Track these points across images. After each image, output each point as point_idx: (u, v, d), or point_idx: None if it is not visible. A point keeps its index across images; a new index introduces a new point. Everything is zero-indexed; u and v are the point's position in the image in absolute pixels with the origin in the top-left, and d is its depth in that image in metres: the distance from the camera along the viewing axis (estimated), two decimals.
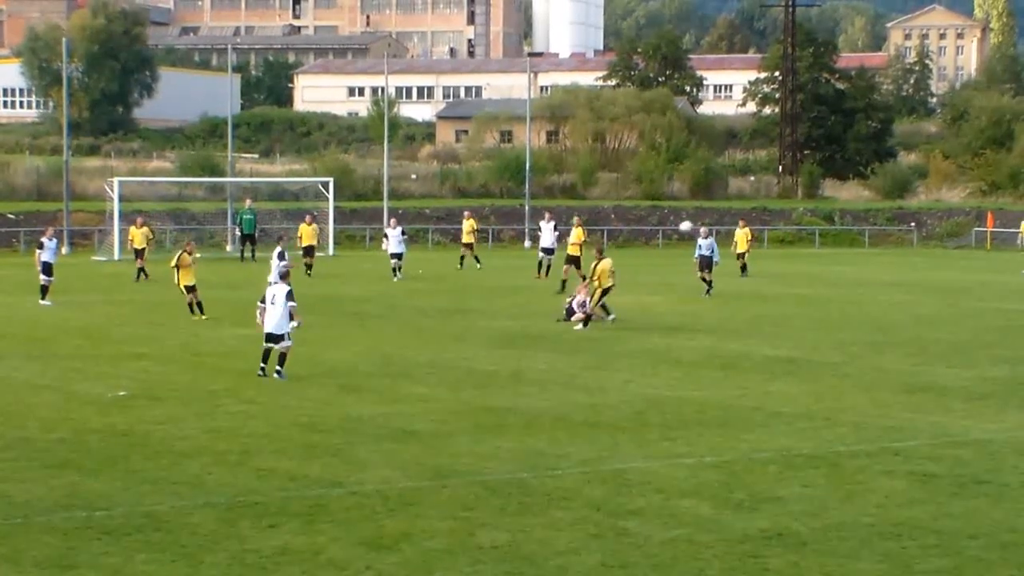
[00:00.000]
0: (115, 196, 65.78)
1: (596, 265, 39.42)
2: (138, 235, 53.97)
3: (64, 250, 61.65)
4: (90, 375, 29.21)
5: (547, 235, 55.65)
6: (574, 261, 49.88)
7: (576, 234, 51.66)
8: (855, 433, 23.20)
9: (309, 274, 53.19)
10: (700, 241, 49.27)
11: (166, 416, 24.26)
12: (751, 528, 17.13)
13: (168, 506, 18.00)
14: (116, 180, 68.60)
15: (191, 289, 39.60)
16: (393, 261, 54.01)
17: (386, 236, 56.57)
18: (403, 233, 56.30)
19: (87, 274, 54.24)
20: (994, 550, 16.13)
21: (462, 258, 59.78)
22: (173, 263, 40.00)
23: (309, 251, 55.86)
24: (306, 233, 56.62)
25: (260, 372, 28.63)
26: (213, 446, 21.75)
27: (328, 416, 24.37)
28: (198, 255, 41.05)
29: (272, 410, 24.95)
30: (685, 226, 57.50)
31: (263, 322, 28.89)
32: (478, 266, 58.51)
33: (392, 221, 59.98)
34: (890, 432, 23.27)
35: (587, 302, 38.65)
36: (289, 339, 28.62)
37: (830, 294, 50.14)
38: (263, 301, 29.16)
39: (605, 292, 39.15)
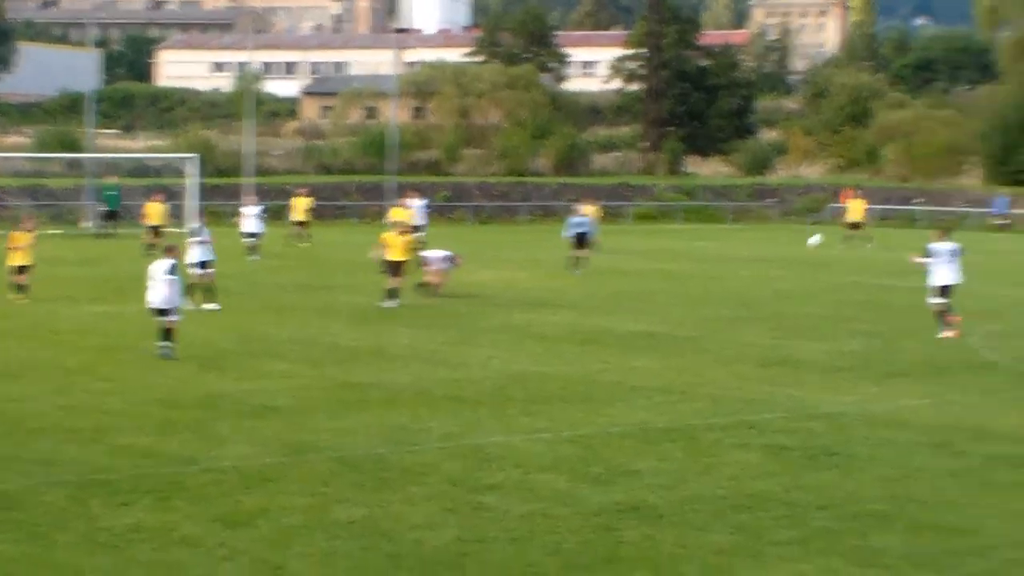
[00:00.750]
0: None
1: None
2: None
3: None
4: None
5: (420, 213, 56.01)
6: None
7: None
8: (712, 407, 23.48)
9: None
10: (575, 219, 49.48)
11: (21, 393, 23.94)
12: (607, 501, 17.28)
13: (18, 485, 17.77)
14: None
15: (22, 270, 38.24)
16: (249, 240, 52.66)
17: (241, 214, 55.56)
18: (264, 211, 55.28)
19: None
20: (842, 520, 16.42)
21: (307, 237, 59.04)
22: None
23: (155, 230, 54.13)
24: (154, 212, 55.29)
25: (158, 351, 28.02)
26: (67, 423, 21.50)
27: (187, 393, 24.21)
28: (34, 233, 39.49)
29: (130, 387, 24.71)
30: (814, 240, 57.31)
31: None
32: (307, 244, 58.02)
33: (250, 199, 58.76)
34: (746, 405, 23.58)
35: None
36: (177, 314, 28.45)
37: (692, 269, 50.61)
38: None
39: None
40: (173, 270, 28.54)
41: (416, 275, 39.80)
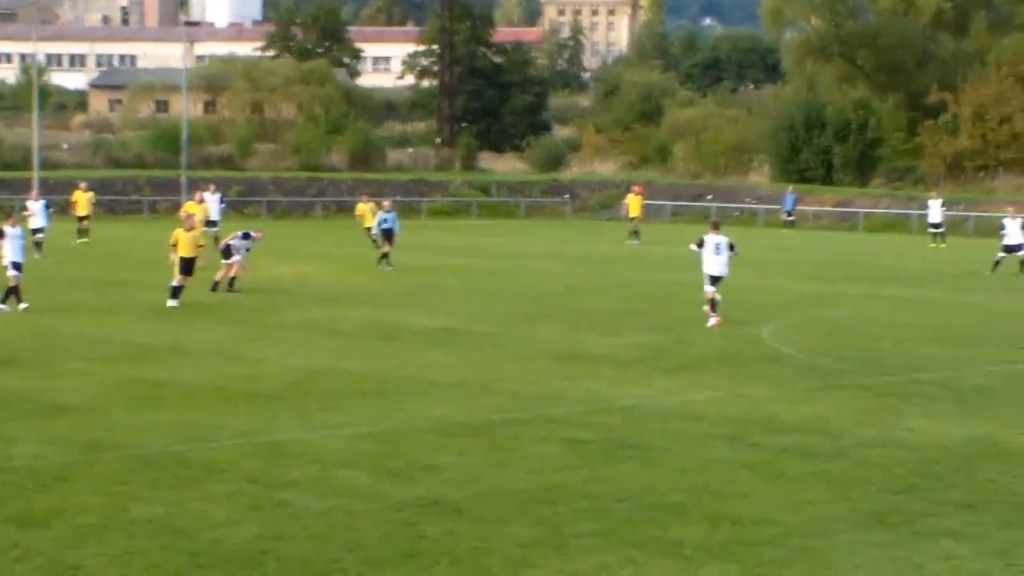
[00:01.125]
0: None
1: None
2: None
3: None
4: None
5: (214, 208, 55.43)
6: None
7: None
8: (510, 401, 23.65)
9: None
10: (384, 215, 49.23)
11: None
12: (408, 496, 17.31)
13: None
14: None
15: None
16: (36, 236, 50.63)
17: (26, 208, 53.86)
18: (47, 207, 53.73)
19: None
20: (640, 512, 16.67)
21: (86, 231, 57.89)
22: None
23: None
24: None
25: None
26: None
27: None
28: None
29: None
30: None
31: None
32: (85, 240, 56.99)
33: (33, 194, 56.67)
34: (543, 400, 23.79)
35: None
36: None
37: (487, 265, 50.90)
38: None
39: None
40: None
41: (212, 271, 39.45)
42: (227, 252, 39.79)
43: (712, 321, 34.43)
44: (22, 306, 34.72)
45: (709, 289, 34.92)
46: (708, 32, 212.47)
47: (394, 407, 23.03)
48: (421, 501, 17.10)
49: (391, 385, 25.19)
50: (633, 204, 66.72)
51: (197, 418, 21.80)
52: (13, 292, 34.97)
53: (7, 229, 36.08)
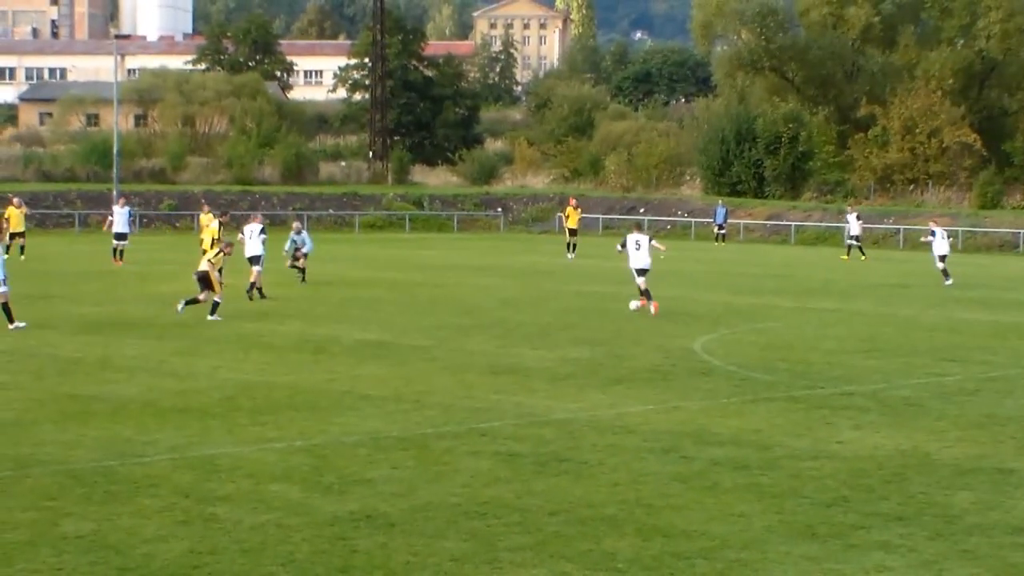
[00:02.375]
0: None
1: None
2: None
3: None
4: None
5: (122, 220, 55.32)
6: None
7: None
8: (443, 415, 23.61)
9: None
10: (293, 236, 49.04)
11: None
12: (341, 511, 17.26)
13: None
14: None
15: None
16: None
17: None
18: None
19: None
20: (573, 525, 16.67)
21: (21, 248, 57.03)
22: None
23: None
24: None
25: None
26: None
27: None
28: None
29: None
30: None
31: None
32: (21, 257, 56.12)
33: None
34: (477, 413, 23.77)
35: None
36: None
37: (419, 278, 50.86)
38: None
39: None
40: None
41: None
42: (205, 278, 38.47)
43: (652, 309, 39.05)
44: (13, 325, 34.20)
45: (640, 280, 39.89)
46: (639, 46, 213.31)
47: (327, 421, 22.95)
48: (354, 515, 17.04)
49: (323, 399, 25.10)
50: (572, 217, 66.89)
51: (128, 433, 21.64)
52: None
53: None
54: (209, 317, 36.82)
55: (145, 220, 61.55)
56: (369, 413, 23.72)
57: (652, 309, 39.07)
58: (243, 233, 43.54)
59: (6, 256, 35.26)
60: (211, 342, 32.48)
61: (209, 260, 37.79)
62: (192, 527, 16.45)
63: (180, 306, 37.31)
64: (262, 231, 43.62)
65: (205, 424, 22.52)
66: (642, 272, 40.01)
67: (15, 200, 59.92)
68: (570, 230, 66.12)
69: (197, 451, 20.46)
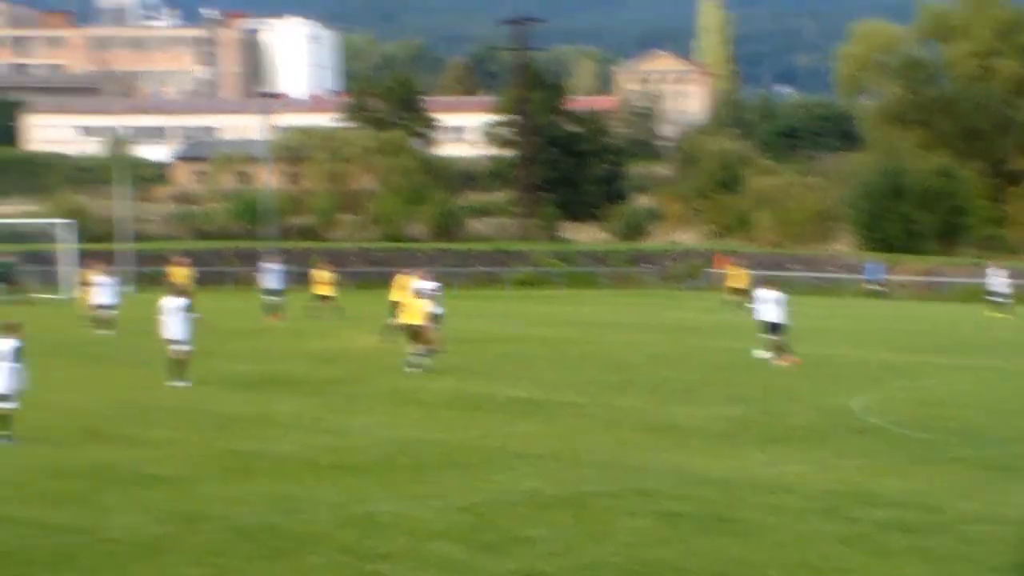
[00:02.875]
0: None
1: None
2: None
3: None
4: None
5: (273, 277, 55.98)
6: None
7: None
8: (600, 473, 23.55)
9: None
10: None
11: None
12: (501, 569, 17.27)
13: None
14: None
15: None
16: (102, 312, 49.23)
17: (91, 284, 51.07)
18: (118, 282, 51.88)
19: None
20: None
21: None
22: None
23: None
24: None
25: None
26: None
27: (72, 462, 23.89)
28: None
29: (13, 456, 24.36)
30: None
31: None
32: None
33: (103, 267, 53.39)
34: (633, 472, 23.67)
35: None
36: (15, 401, 26.20)
37: (570, 335, 50.82)
38: None
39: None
40: (18, 355, 26.25)
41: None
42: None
43: (781, 362, 40.02)
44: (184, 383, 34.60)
45: (769, 337, 40.95)
46: (783, 99, 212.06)
47: (483, 479, 23.00)
48: (515, 574, 17.05)
49: (479, 456, 25.16)
50: (739, 276, 66.46)
51: (289, 489, 21.85)
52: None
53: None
54: (409, 370, 37.58)
55: (297, 277, 62.27)
56: (525, 471, 23.72)
57: (784, 362, 40.10)
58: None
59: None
60: (365, 399, 32.70)
61: (426, 313, 38.49)
62: None
63: (410, 369, 37.74)
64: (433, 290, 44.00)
65: (363, 481, 22.68)
66: (775, 329, 40.95)
67: (178, 259, 61.19)
68: (736, 289, 65.42)
69: (357, 508, 20.60)
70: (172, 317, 35.10)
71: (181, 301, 35.65)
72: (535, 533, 19.17)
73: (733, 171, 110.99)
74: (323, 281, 56.85)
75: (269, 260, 57.99)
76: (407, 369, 37.84)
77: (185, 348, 34.97)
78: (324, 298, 56.68)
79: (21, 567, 17.04)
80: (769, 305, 41.26)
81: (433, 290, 43.56)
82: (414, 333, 38.45)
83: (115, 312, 49.89)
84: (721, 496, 21.71)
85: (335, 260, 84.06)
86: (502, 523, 19.76)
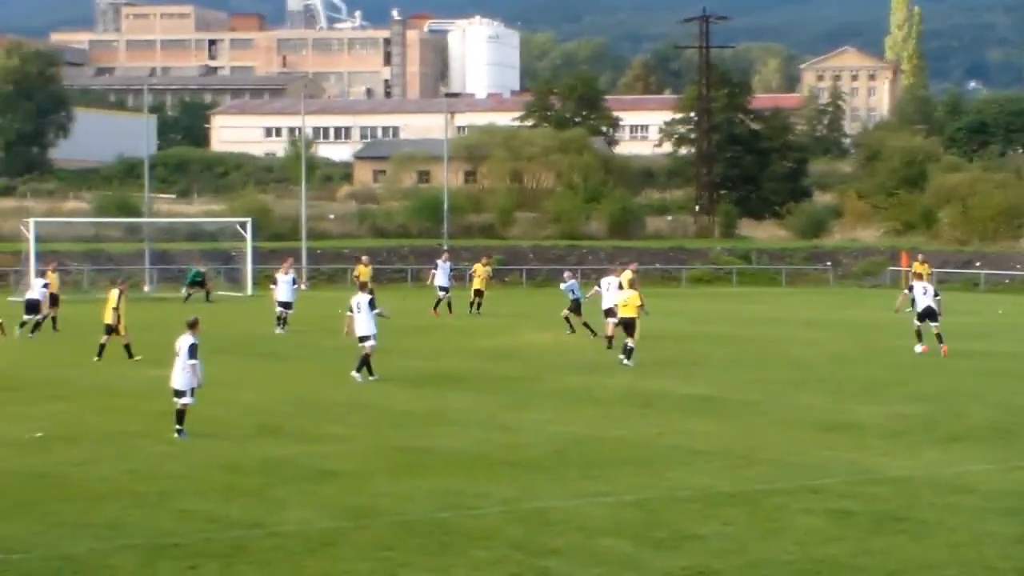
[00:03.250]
0: (31, 237, 65.22)
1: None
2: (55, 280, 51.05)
3: None
4: (5, 416, 28.89)
5: (443, 274, 56.23)
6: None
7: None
8: (774, 471, 23.28)
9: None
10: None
11: (83, 458, 24.02)
12: (672, 566, 17.13)
13: (86, 548, 17.79)
14: (32, 221, 68.03)
15: (110, 329, 39.40)
16: (280, 310, 49.02)
17: (275, 282, 50.78)
18: (294, 282, 50.59)
19: (2, 315, 53.44)
20: None
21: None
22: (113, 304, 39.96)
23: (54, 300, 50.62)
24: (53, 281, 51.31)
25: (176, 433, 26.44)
26: (131, 487, 21.55)
27: (247, 457, 24.22)
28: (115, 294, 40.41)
29: (190, 451, 24.75)
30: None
31: None
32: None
33: (285, 266, 51.68)
34: (808, 470, 23.37)
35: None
36: (191, 396, 26.55)
37: (747, 333, 50.39)
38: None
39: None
40: (194, 352, 26.55)
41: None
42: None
43: (923, 348, 42.19)
44: (372, 377, 35.20)
45: (920, 324, 42.88)
46: (973, 95, 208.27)
47: (656, 475, 22.86)
48: (686, 571, 16.91)
49: (652, 453, 25.02)
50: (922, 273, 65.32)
51: (460, 485, 21.91)
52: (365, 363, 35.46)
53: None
54: (627, 362, 38.38)
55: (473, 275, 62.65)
56: (699, 468, 23.54)
57: (941, 349, 41.63)
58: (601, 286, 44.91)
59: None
60: (539, 396, 32.70)
61: (641, 307, 39.16)
62: None
63: (625, 360, 38.75)
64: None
65: (535, 477, 22.66)
66: (925, 316, 42.65)
67: (364, 258, 62.00)
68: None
69: (528, 504, 20.59)
70: (360, 314, 35.41)
71: (367, 298, 36.01)
72: (706, 530, 19.01)
73: (918, 167, 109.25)
74: (479, 276, 57.30)
75: (442, 258, 58.34)
76: (626, 362, 38.55)
77: (371, 343, 35.27)
78: (478, 292, 57.17)
79: (195, 559, 17.29)
80: (925, 297, 42.95)
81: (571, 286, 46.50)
82: (627, 325, 39.07)
83: (291, 311, 49.80)
84: (897, 495, 21.33)
85: (512, 258, 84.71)
86: (673, 520, 19.62)
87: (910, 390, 34.16)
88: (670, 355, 41.97)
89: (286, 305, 49.33)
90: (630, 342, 38.99)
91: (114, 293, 40.10)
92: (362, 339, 35.24)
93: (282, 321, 49.08)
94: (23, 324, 46.62)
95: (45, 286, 48.37)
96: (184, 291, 66.34)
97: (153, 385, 33.54)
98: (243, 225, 71.62)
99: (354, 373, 35.13)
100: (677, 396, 32.76)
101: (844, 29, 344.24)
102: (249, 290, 68.61)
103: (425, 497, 21.04)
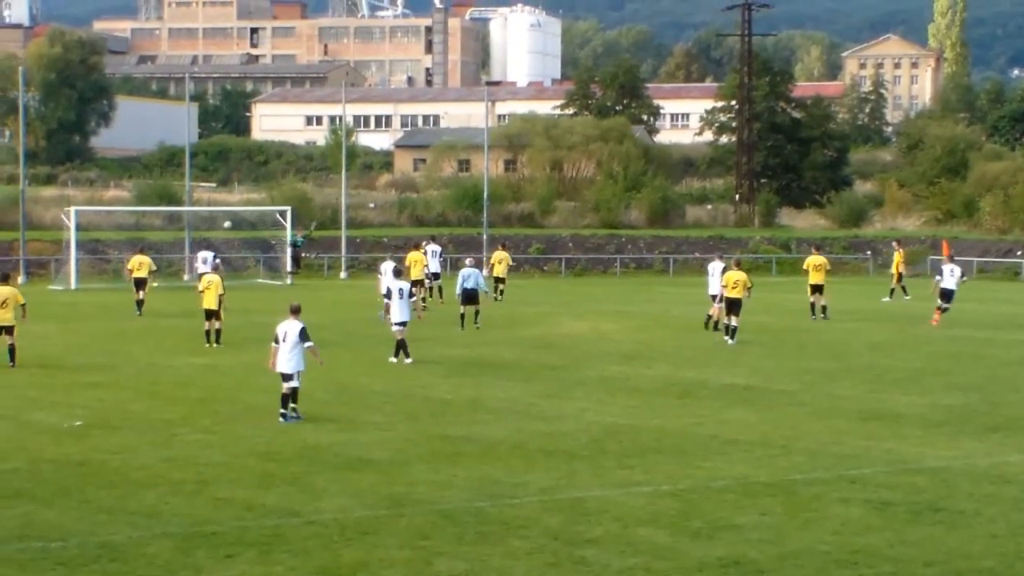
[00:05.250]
0: (72, 225, 65.54)
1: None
2: (141, 264, 50.90)
3: (20, 279, 61.58)
4: (44, 404, 29.07)
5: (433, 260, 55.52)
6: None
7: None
8: (811, 461, 23.26)
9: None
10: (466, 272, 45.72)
11: (121, 445, 24.15)
12: (709, 556, 17.15)
13: (124, 536, 17.91)
14: (73, 209, 68.32)
15: (211, 314, 39.66)
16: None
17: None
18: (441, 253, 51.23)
19: (43, 303, 53.73)
20: None
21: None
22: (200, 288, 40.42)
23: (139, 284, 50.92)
24: (139, 265, 51.23)
25: (281, 417, 27.12)
26: (169, 475, 21.67)
27: (285, 445, 24.32)
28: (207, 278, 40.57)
29: (228, 439, 24.87)
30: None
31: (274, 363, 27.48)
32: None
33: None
34: (846, 460, 23.34)
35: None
36: (297, 380, 27.21)
37: (786, 322, 50.27)
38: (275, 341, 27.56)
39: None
40: (304, 335, 27.26)
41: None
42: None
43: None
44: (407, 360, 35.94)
45: (941, 303, 48.88)
46: (1017, 83, 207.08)
47: (693, 465, 22.87)
48: (722, 561, 16.92)
49: (690, 443, 25.03)
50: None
51: (497, 474, 21.96)
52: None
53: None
54: (730, 341, 41.30)
55: (513, 264, 62.54)
56: (736, 458, 23.53)
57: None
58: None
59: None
60: (578, 385, 32.71)
61: (749, 289, 42.62)
62: (561, 569, 16.59)
63: (730, 340, 41.60)
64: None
65: (573, 467, 22.70)
66: (948, 295, 49.15)
67: (426, 243, 61.56)
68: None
69: (565, 493, 20.62)
70: (397, 301, 35.92)
71: (405, 285, 36.75)
72: (743, 520, 19.02)
73: (959, 156, 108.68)
74: (498, 262, 57.05)
75: (428, 244, 56.96)
76: (730, 342, 41.26)
77: (402, 329, 35.85)
78: (499, 280, 56.96)
79: (233, 547, 17.39)
80: (951, 277, 49.27)
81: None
82: (732, 305, 41.86)
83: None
84: (935, 485, 21.29)
85: (551, 247, 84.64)
86: (710, 510, 19.63)
87: (949, 380, 34.06)
88: (708, 345, 41.92)
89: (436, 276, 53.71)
90: (734, 321, 41.64)
91: (215, 279, 40.00)
92: (396, 325, 35.94)
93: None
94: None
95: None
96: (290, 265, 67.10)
97: (194, 373, 33.81)
98: (283, 214, 71.73)
99: (398, 359, 35.69)
100: (715, 386, 32.74)
101: (887, 17, 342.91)
102: (288, 279, 68.78)
103: (462, 486, 21.09)
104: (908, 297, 61.03)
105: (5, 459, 22.94)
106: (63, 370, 34.67)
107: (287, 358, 27.14)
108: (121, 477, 21.55)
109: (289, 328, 27.30)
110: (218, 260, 52.01)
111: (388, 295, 36.49)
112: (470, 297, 44.91)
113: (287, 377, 27.12)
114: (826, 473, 22.17)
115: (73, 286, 63.43)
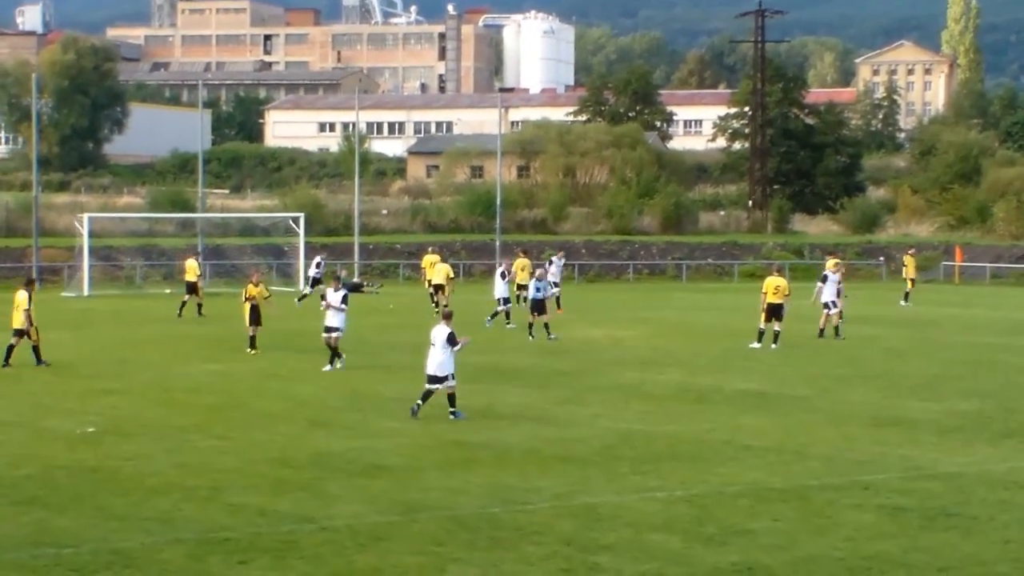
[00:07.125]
0: (85, 232, 65.63)
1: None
2: (192, 268, 52.37)
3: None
4: (58, 411, 29.10)
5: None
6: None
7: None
8: (825, 467, 23.22)
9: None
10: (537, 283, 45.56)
11: (135, 452, 24.16)
12: (722, 562, 17.12)
13: (137, 543, 17.91)
14: (86, 216, 68.46)
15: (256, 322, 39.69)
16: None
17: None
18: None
19: (56, 310, 53.84)
20: None
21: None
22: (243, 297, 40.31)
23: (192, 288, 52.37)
24: (190, 269, 52.86)
25: (413, 411, 28.28)
26: (183, 482, 21.67)
27: (298, 451, 24.32)
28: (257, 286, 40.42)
29: (242, 445, 24.87)
30: None
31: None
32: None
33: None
34: (859, 466, 23.29)
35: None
36: (453, 379, 28.42)
37: (801, 328, 50.11)
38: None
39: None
40: (452, 339, 28.32)
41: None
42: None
43: None
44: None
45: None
46: None
47: (707, 471, 22.83)
48: (735, 567, 16.89)
49: (704, 449, 24.98)
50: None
51: (511, 480, 21.94)
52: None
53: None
54: (773, 346, 42.03)
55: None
56: (750, 464, 23.49)
57: None
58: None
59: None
60: (592, 391, 32.68)
61: (787, 296, 43.14)
62: (575, 575, 16.54)
63: (755, 345, 42.17)
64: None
65: (586, 473, 22.67)
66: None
67: (432, 249, 61.88)
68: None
69: (579, 499, 20.60)
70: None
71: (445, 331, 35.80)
72: (756, 526, 18.98)
73: (972, 162, 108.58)
74: (521, 269, 55.29)
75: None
76: (773, 346, 41.93)
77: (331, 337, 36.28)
78: (521, 287, 53.45)
79: (246, 553, 17.38)
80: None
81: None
82: (775, 310, 42.59)
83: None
84: (948, 491, 21.24)
85: (565, 253, 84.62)
86: (723, 515, 19.59)
87: (963, 386, 33.98)
88: (722, 351, 41.87)
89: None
90: (776, 326, 42.56)
91: (256, 289, 39.95)
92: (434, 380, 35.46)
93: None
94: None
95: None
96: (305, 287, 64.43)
97: (208, 379, 33.82)
98: (296, 220, 71.76)
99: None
100: (729, 392, 32.69)
101: (900, 23, 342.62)
102: (301, 285, 68.80)
103: (476, 492, 21.07)
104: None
105: (19, 466, 22.96)
106: (77, 377, 34.69)
107: (437, 361, 28.25)
108: (134, 483, 21.56)
109: (438, 333, 28.45)
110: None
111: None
112: (536, 306, 45.03)
113: (432, 379, 28.20)
114: (840, 479, 22.12)
115: (86, 293, 63.49)
